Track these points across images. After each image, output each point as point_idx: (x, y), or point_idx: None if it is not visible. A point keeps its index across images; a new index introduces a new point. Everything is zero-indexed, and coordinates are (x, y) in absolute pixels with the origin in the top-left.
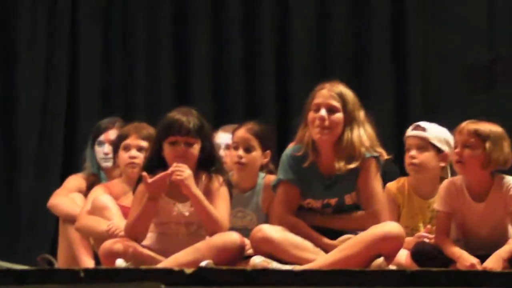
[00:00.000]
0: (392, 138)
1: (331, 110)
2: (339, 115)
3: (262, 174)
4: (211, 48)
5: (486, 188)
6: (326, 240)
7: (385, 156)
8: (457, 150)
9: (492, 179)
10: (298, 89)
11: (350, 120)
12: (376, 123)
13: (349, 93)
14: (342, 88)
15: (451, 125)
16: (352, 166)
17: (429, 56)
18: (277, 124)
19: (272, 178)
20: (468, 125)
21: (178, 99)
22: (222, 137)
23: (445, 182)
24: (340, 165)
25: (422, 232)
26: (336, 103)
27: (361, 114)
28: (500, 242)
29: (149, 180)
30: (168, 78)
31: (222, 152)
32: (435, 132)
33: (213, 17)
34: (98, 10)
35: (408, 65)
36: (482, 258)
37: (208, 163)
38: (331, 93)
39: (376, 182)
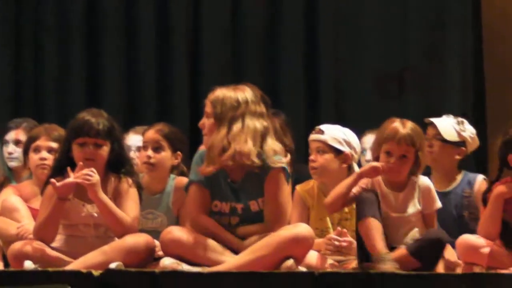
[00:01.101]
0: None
1: (206, 115)
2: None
3: (172, 176)
4: (123, 50)
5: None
6: (237, 240)
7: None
8: (392, 160)
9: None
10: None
11: (217, 123)
12: (290, 127)
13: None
14: (217, 93)
15: (361, 129)
16: (247, 170)
17: (341, 62)
18: (190, 127)
19: (183, 180)
20: (404, 136)
21: (89, 100)
22: (133, 139)
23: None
24: (238, 171)
25: (332, 234)
26: (208, 109)
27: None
28: None
29: (58, 185)
30: (79, 80)
31: (133, 154)
32: (332, 133)
33: (125, 17)
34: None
35: (321, 73)
36: None
37: (117, 164)
38: (207, 100)
39: (282, 193)
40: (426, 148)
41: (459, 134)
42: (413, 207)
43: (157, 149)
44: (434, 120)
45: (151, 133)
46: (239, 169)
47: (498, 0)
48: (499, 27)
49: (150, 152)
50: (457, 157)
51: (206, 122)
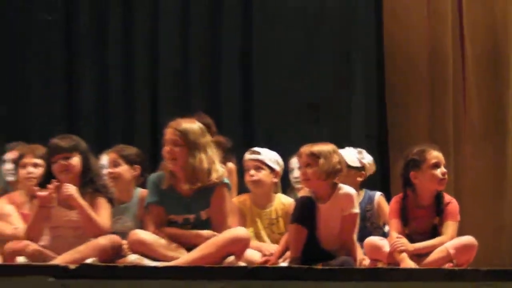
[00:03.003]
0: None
1: (175, 144)
2: (180, 149)
3: (138, 189)
4: (95, 77)
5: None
6: (194, 233)
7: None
8: (301, 170)
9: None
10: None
11: (192, 148)
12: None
13: (190, 127)
14: (183, 125)
15: (286, 150)
16: (198, 186)
17: (270, 92)
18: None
19: (144, 193)
20: (305, 149)
21: (67, 125)
22: (105, 159)
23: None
24: (187, 187)
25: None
26: (178, 138)
27: (204, 140)
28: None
29: (40, 194)
30: (59, 103)
31: (105, 171)
32: (267, 155)
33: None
34: None
35: (253, 99)
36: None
37: (89, 175)
38: (176, 132)
39: (226, 205)
40: None
41: (360, 161)
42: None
43: (115, 165)
44: (341, 151)
45: (110, 154)
46: (192, 185)
47: (398, 33)
48: (399, 59)
49: (111, 170)
50: (359, 178)
51: (174, 149)
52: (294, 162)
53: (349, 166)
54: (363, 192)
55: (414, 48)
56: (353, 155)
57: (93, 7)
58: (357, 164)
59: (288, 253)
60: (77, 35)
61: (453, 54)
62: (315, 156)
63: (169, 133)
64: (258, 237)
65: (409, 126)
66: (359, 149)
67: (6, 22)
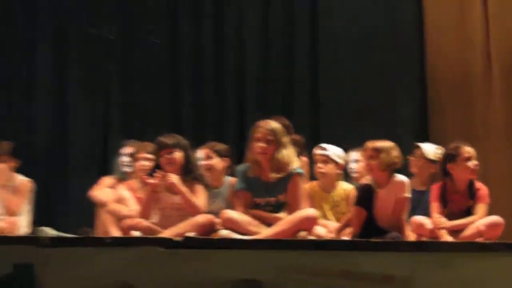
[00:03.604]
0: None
1: (266, 140)
2: (270, 146)
3: (228, 177)
4: (194, 90)
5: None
6: (272, 215)
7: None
8: (365, 162)
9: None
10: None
11: (278, 145)
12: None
13: (276, 127)
14: (272, 125)
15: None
16: (281, 175)
17: (334, 99)
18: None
19: (234, 180)
20: (370, 144)
21: (174, 126)
22: (200, 153)
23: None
24: (271, 175)
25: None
26: (269, 136)
27: (286, 139)
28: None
29: (149, 181)
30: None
31: (201, 163)
32: (333, 150)
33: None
34: None
35: (320, 105)
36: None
37: (190, 171)
38: (266, 131)
39: (300, 191)
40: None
41: (436, 157)
42: None
43: (210, 157)
44: (423, 145)
45: (205, 149)
46: (275, 174)
47: (437, 54)
48: (439, 75)
49: (205, 162)
50: (432, 171)
51: (265, 145)
52: (352, 155)
53: (428, 159)
54: None
55: (450, 67)
56: (431, 150)
57: (192, 25)
58: (433, 158)
59: (347, 229)
60: (178, 53)
61: (481, 71)
62: (377, 150)
63: (260, 131)
64: (324, 217)
65: (446, 128)
66: (438, 146)
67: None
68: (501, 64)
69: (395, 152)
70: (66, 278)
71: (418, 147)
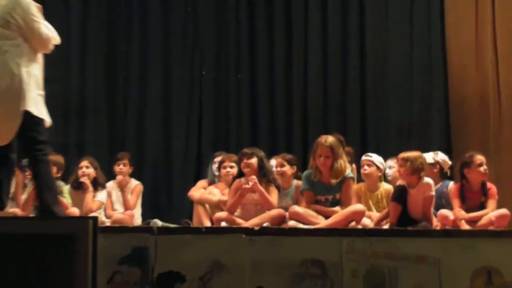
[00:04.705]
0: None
1: (326, 153)
2: (329, 159)
3: (295, 180)
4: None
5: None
6: (329, 209)
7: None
8: (398, 169)
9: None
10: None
11: (335, 157)
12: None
13: (334, 142)
14: (330, 141)
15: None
16: (338, 180)
17: (379, 116)
18: (303, 156)
19: (299, 183)
20: (400, 155)
21: (252, 140)
22: (273, 162)
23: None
24: (330, 180)
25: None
26: (328, 149)
27: (341, 151)
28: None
29: (245, 187)
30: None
31: (275, 170)
32: (376, 157)
33: None
34: None
35: (367, 122)
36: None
37: (265, 174)
38: (327, 148)
39: (351, 191)
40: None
41: (433, 159)
42: None
43: (281, 166)
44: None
45: (277, 159)
46: (333, 179)
47: (460, 82)
48: (460, 97)
49: (278, 169)
50: (435, 170)
51: (325, 160)
52: (388, 163)
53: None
54: (441, 181)
55: (468, 91)
56: (429, 156)
57: (265, 50)
58: (431, 161)
59: (384, 220)
60: (255, 79)
61: (492, 94)
62: (405, 160)
63: (321, 148)
64: (370, 210)
65: (467, 142)
66: (436, 151)
67: None
68: (506, 94)
69: (420, 160)
70: (171, 258)
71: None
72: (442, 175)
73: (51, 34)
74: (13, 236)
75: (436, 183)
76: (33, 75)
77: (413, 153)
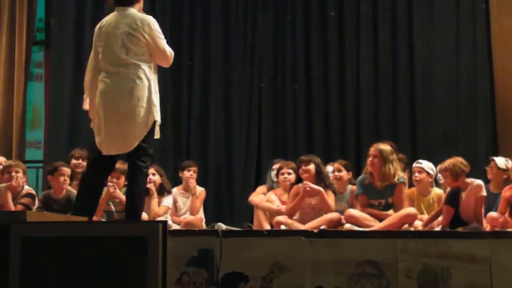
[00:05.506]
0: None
1: (375, 158)
2: (377, 160)
3: (350, 186)
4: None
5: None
6: (383, 213)
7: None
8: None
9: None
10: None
11: (384, 162)
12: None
13: (384, 148)
14: (381, 146)
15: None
16: (387, 183)
17: (428, 126)
18: (356, 163)
19: (354, 188)
20: (439, 168)
21: (308, 145)
22: (330, 168)
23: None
24: (381, 183)
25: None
26: (377, 155)
27: (393, 156)
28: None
29: (307, 189)
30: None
31: (331, 175)
32: (426, 164)
33: None
34: None
35: (416, 131)
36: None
37: (322, 180)
38: (376, 150)
39: (403, 195)
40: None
41: (505, 166)
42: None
43: (340, 171)
44: (496, 158)
45: (335, 165)
46: (383, 183)
47: (505, 90)
48: (508, 104)
49: (336, 173)
50: (504, 176)
51: (374, 161)
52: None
53: (499, 168)
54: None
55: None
56: (501, 162)
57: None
58: (503, 167)
59: (435, 221)
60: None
61: None
62: (444, 170)
63: (372, 151)
64: (421, 214)
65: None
66: (507, 158)
67: None
68: None
69: (459, 165)
70: (235, 259)
71: (493, 159)
72: (506, 181)
73: (170, 49)
74: (92, 238)
75: (500, 189)
76: (155, 86)
77: (450, 160)
